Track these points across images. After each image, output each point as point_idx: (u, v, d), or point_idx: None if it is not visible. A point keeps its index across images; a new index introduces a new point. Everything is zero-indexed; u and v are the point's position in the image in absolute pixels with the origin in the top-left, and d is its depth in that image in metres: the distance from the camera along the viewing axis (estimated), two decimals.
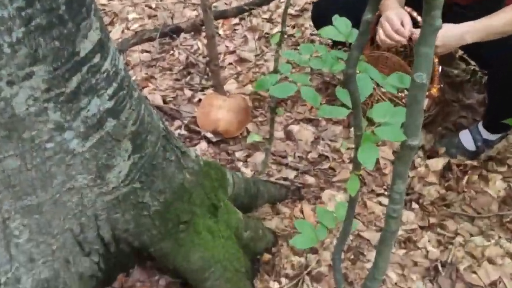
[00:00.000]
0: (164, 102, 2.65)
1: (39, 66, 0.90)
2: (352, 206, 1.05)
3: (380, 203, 1.97)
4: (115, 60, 1.10)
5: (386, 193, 2.02)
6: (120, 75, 1.11)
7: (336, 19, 1.06)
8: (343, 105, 0.98)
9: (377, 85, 1.69)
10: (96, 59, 1.02)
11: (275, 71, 1.60)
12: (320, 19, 2.28)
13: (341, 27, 1.02)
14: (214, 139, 2.31)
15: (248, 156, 2.25)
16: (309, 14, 3.03)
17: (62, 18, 0.91)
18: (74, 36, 0.95)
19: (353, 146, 2.18)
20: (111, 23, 3.41)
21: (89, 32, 0.99)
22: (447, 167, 2.10)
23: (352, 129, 2.31)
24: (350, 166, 2.14)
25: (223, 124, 2.33)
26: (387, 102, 0.96)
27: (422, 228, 1.87)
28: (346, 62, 0.76)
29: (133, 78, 2.67)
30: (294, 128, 2.42)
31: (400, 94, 2.12)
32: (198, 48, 3.26)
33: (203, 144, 2.30)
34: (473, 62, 2.50)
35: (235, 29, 3.43)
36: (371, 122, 0.93)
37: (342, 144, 2.26)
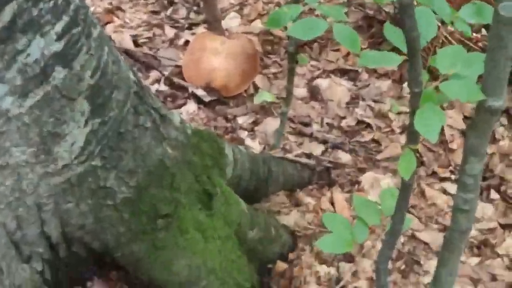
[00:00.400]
0: (136, 44, 2.65)
1: None
2: (405, 195, 1.05)
3: (444, 191, 1.97)
4: None
5: (453, 176, 2.02)
6: (73, 5, 1.10)
7: None
8: (394, 49, 0.97)
9: (442, 22, 1.67)
10: None
11: (296, 0, 1.58)
12: None
13: None
14: (207, 98, 2.31)
15: (256, 123, 2.25)
16: None
17: None
18: None
19: (406, 109, 2.19)
20: None
21: None
22: None
23: (405, 84, 2.31)
24: (402, 138, 2.14)
25: (220, 76, 2.33)
26: (458, 45, 0.95)
27: (504, 227, 1.87)
28: None
29: (92, 9, 2.66)
30: (322, 83, 2.41)
31: (475, 35, 2.10)
32: None
33: (191, 105, 2.30)
34: None
35: None
36: (434, 75, 0.92)
37: (392, 106, 2.25)
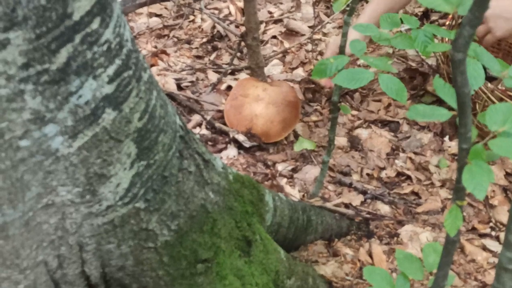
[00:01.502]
0: (179, 88, 2.69)
1: (17, 32, 0.92)
2: (449, 251, 1.03)
3: (484, 248, 1.94)
4: (120, 28, 1.11)
5: (493, 233, 1.99)
6: (125, 49, 1.12)
7: None
8: (435, 102, 0.97)
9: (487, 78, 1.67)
10: (95, 24, 1.03)
11: (341, 50, 1.59)
12: None
13: None
14: (247, 144, 2.32)
15: (296, 170, 2.26)
16: None
17: None
18: None
19: (448, 162, 2.17)
20: None
21: None
22: None
23: (446, 138, 2.30)
24: (442, 192, 2.13)
25: (261, 123, 2.34)
26: (507, 103, 0.95)
27: None
28: (453, 43, 0.76)
29: None
30: (363, 133, 2.42)
31: None
32: (230, 14, 3.30)
33: (232, 150, 2.32)
34: None
35: None
36: (481, 130, 0.92)
37: (440, 161, 2.24)
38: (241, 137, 2.32)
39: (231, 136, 2.34)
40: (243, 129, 2.34)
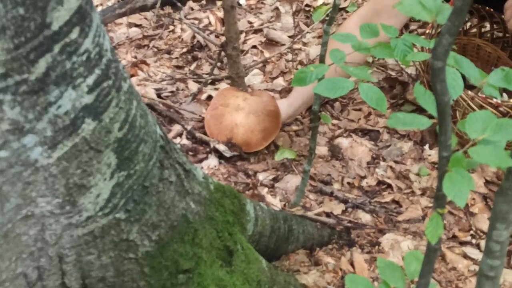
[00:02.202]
0: (159, 97, 2.68)
1: None
2: (431, 259, 1.03)
3: (465, 256, 1.95)
4: (99, 37, 1.10)
5: (474, 241, 2.00)
6: (105, 59, 1.11)
7: None
8: (415, 110, 0.97)
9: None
10: (74, 34, 1.02)
11: (322, 60, 1.60)
12: None
13: (427, 0, 1.01)
14: (228, 154, 2.32)
15: (277, 179, 2.26)
16: None
17: None
18: (44, 1, 0.95)
19: (428, 171, 2.18)
20: None
21: None
22: None
23: (426, 146, 2.31)
24: (423, 200, 2.13)
25: (241, 132, 2.34)
26: (486, 110, 0.96)
27: None
28: (433, 52, 0.76)
29: None
30: (343, 142, 2.42)
31: (495, 100, 2.11)
32: (210, 24, 3.30)
33: (212, 160, 2.31)
34: None
35: None
36: (461, 138, 0.92)
37: (421, 169, 2.25)
38: (221, 147, 2.32)
39: (211, 146, 2.34)
40: (223, 138, 2.34)
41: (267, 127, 2.35)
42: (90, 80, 1.08)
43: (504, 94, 2.36)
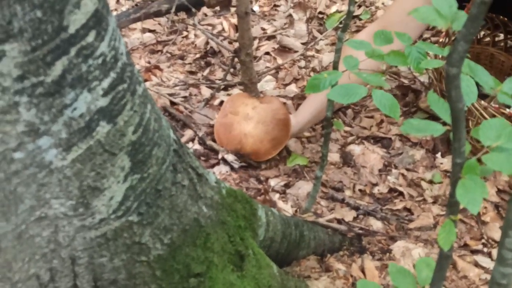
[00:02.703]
0: (172, 103, 2.68)
1: (12, 44, 0.92)
2: (443, 266, 1.03)
3: (476, 264, 1.94)
4: (115, 41, 1.11)
5: (485, 250, 1.99)
6: (120, 62, 1.12)
7: None
8: (428, 118, 0.97)
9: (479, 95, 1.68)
10: (90, 37, 1.03)
11: (335, 66, 1.60)
12: None
13: (442, 7, 1.01)
14: (237, 164, 2.31)
15: (288, 185, 2.26)
16: None
17: None
18: (61, 4, 0.96)
19: (440, 179, 2.18)
20: None
21: None
22: None
23: (438, 154, 2.31)
24: (434, 208, 2.13)
25: (250, 142, 2.33)
26: (501, 118, 0.96)
27: None
28: (448, 58, 0.76)
29: None
30: (355, 149, 2.42)
31: (508, 110, 2.11)
32: (223, 30, 3.31)
33: (224, 166, 2.32)
34: None
35: (276, 5, 3.47)
36: (473, 147, 0.92)
37: (434, 176, 2.25)
38: (230, 157, 2.32)
39: (220, 156, 2.34)
40: (232, 148, 2.34)
41: (277, 136, 2.35)
42: (106, 83, 1.09)
43: None
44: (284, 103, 2.52)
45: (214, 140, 2.42)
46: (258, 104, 2.43)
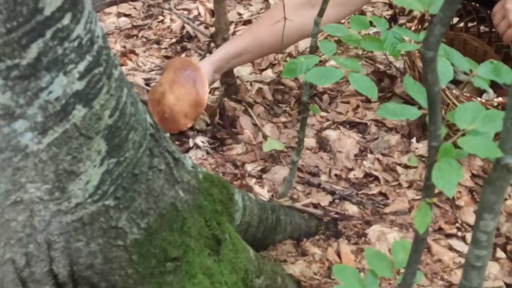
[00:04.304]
0: (148, 87, 2.67)
1: None
2: (418, 248, 1.04)
3: (451, 248, 1.96)
4: (91, 24, 1.10)
5: (459, 234, 2.01)
6: (96, 45, 1.11)
7: None
8: (409, 104, 0.98)
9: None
10: (66, 20, 1.02)
11: (312, 51, 1.60)
12: None
13: None
14: (210, 146, 2.30)
15: (265, 171, 2.26)
16: None
17: None
18: None
19: (414, 164, 2.19)
20: None
21: None
22: None
23: (413, 139, 2.32)
24: (409, 193, 2.14)
25: (182, 106, 2.33)
26: (476, 102, 0.96)
27: (509, 286, 1.86)
28: (424, 42, 0.76)
29: None
30: (331, 134, 2.43)
31: (479, 99, 2.13)
32: (199, 14, 3.29)
33: (201, 151, 2.31)
34: None
35: None
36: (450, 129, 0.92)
37: (410, 159, 2.26)
38: (199, 140, 2.32)
39: (191, 142, 2.33)
40: (181, 129, 2.33)
41: (190, 80, 2.31)
42: (82, 67, 1.08)
43: (490, 91, 2.37)
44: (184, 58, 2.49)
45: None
46: (163, 79, 2.41)
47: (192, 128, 2.36)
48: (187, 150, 2.30)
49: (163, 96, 2.33)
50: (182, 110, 2.30)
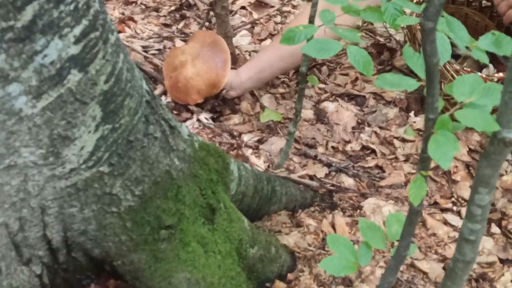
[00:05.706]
0: (146, 55, 2.65)
1: None
2: (412, 221, 1.04)
3: (445, 222, 1.96)
4: None
5: (455, 208, 2.02)
6: (93, 9, 1.10)
7: None
8: (409, 76, 0.97)
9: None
10: None
11: (311, 21, 1.59)
12: None
13: None
14: (212, 121, 2.29)
15: (261, 141, 2.25)
16: None
17: None
18: None
19: (412, 137, 2.19)
20: None
21: None
22: None
23: (411, 113, 2.31)
24: (406, 166, 2.14)
25: (201, 81, 2.30)
26: (475, 75, 0.96)
27: (503, 261, 1.86)
28: (424, 12, 0.75)
29: None
30: (329, 106, 2.42)
31: (479, 74, 2.12)
32: None
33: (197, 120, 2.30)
34: None
35: None
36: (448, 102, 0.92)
37: (407, 131, 2.25)
38: (203, 116, 2.31)
39: (195, 118, 2.32)
40: (189, 103, 2.32)
41: (216, 57, 2.31)
42: (77, 31, 1.07)
43: (491, 66, 2.36)
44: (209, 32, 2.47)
45: None
46: (186, 47, 2.39)
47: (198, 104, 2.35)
48: (185, 120, 2.30)
49: (182, 66, 2.32)
50: (197, 86, 2.29)
